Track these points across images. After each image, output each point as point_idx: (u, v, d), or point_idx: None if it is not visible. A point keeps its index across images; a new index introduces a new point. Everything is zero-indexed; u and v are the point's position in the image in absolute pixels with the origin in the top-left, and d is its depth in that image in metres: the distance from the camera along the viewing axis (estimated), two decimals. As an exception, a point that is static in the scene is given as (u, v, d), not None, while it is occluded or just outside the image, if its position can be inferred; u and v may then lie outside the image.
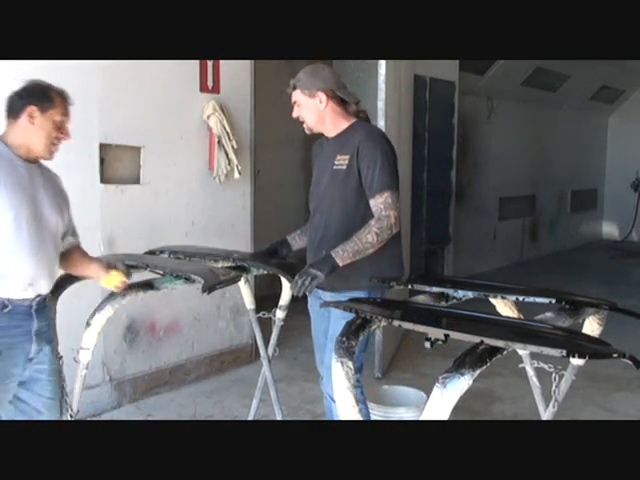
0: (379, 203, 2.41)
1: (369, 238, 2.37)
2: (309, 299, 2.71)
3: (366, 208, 2.46)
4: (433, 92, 6.10)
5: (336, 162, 2.52)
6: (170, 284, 2.44)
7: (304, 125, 2.59)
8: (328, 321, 2.56)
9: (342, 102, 2.54)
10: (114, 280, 2.32)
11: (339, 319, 2.38)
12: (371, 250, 2.39)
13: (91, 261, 2.42)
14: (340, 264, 2.34)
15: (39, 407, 2.22)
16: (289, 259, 2.83)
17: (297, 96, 2.54)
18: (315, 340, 2.75)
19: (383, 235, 2.39)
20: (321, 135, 2.64)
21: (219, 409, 3.77)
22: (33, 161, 2.25)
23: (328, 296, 2.55)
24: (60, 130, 2.23)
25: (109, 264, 2.39)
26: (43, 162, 2.31)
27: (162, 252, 2.98)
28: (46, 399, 2.24)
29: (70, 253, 2.39)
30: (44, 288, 2.21)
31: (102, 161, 3.59)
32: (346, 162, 2.48)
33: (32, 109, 2.17)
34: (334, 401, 2.49)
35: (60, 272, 2.38)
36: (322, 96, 2.50)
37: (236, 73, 4.23)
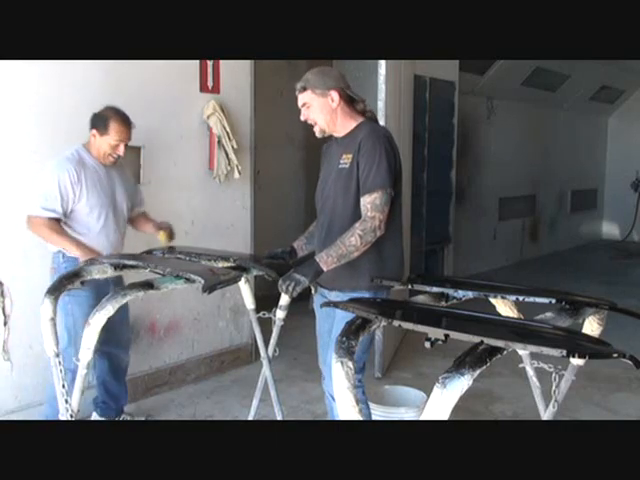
0: (367, 203, 2.41)
1: (352, 241, 2.37)
2: (315, 298, 2.72)
3: None
4: (433, 92, 6.10)
5: (341, 161, 2.52)
6: (170, 284, 2.44)
7: (315, 128, 2.56)
8: (333, 320, 2.56)
9: (351, 101, 2.54)
10: (162, 239, 3.31)
11: (342, 319, 2.38)
12: (356, 253, 2.38)
13: (148, 222, 3.43)
14: (324, 269, 2.35)
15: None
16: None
17: (307, 97, 2.51)
18: (319, 339, 2.76)
19: (367, 237, 2.38)
20: (328, 138, 2.64)
21: (219, 409, 3.77)
22: (110, 164, 3.16)
23: (333, 295, 2.55)
24: (114, 149, 3.11)
25: (160, 226, 3.37)
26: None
27: (162, 252, 2.99)
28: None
29: (137, 218, 3.44)
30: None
31: (102, 161, 3.61)
32: (349, 161, 2.48)
33: (94, 132, 3.11)
34: (334, 399, 2.50)
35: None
36: (334, 95, 2.48)
37: (236, 73, 4.24)
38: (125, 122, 3.11)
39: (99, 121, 3.08)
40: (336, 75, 2.54)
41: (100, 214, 3.12)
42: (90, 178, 3.08)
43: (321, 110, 2.50)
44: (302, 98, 2.52)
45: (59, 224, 3.07)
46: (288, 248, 2.73)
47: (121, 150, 3.12)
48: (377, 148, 2.43)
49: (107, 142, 3.08)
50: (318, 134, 2.58)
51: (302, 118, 2.56)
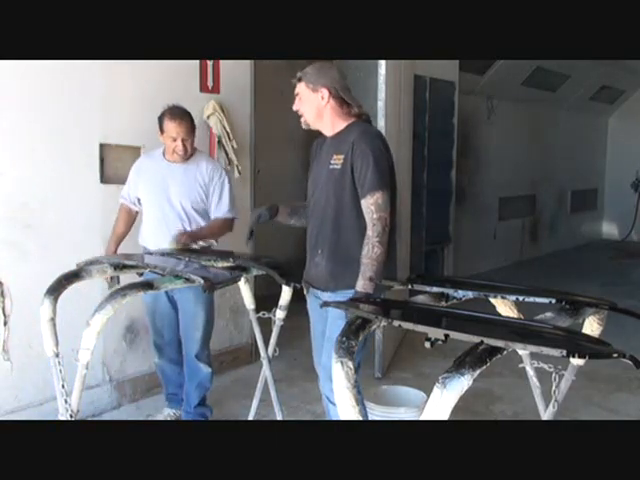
0: (370, 205, 2.42)
1: (377, 251, 2.39)
2: (308, 300, 2.72)
3: (360, 208, 2.46)
4: (433, 92, 6.10)
5: (332, 162, 2.52)
6: (170, 284, 2.44)
7: (302, 119, 2.59)
8: (326, 321, 2.55)
9: (343, 103, 2.54)
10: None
11: (336, 319, 2.38)
12: (384, 256, 2.41)
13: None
14: (371, 291, 2.38)
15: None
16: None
17: (300, 88, 2.55)
18: (313, 341, 2.75)
19: (384, 239, 2.41)
20: (319, 133, 2.64)
21: (219, 409, 3.77)
22: (179, 161, 3.27)
23: (326, 296, 2.55)
24: (174, 145, 3.21)
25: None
26: (197, 158, 3.33)
27: (162, 253, 2.99)
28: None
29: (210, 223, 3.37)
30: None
31: (102, 161, 3.60)
32: (341, 162, 2.48)
33: (159, 131, 3.26)
34: (330, 401, 2.50)
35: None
36: (325, 92, 2.50)
37: (236, 73, 4.23)
38: (175, 118, 3.19)
39: (159, 121, 3.24)
40: (333, 74, 2.53)
41: (150, 206, 3.30)
42: (148, 172, 3.32)
43: (310, 104, 2.54)
44: (297, 88, 2.56)
45: (129, 213, 3.42)
46: (274, 207, 2.76)
47: (179, 145, 3.19)
48: (371, 149, 2.44)
49: (166, 140, 3.23)
50: (303, 125, 2.62)
51: (294, 107, 2.60)
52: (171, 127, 3.19)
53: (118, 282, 2.91)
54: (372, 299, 2.34)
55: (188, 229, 3.25)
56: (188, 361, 3.38)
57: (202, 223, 3.31)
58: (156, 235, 3.25)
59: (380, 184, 2.42)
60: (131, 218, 3.43)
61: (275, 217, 2.77)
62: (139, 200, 3.37)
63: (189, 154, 3.28)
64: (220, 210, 3.35)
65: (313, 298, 2.65)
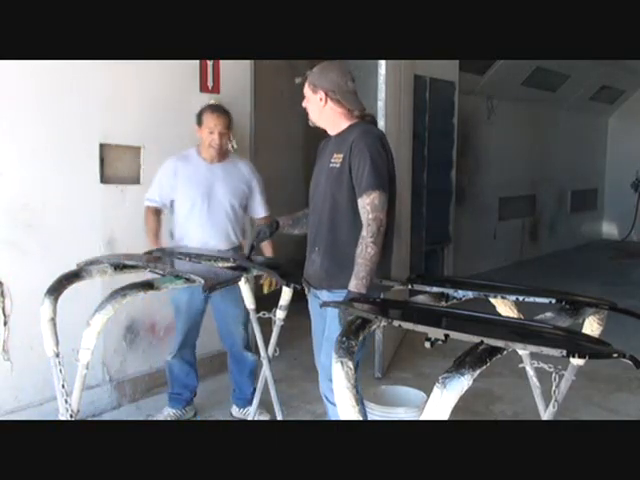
0: (366, 204, 2.42)
1: (370, 251, 2.39)
2: (309, 299, 2.72)
3: (357, 207, 2.46)
4: (433, 92, 6.10)
5: (332, 160, 2.54)
6: (170, 284, 2.44)
7: (309, 116, 2.64)
8: (326, 321, 2.56)
9: (343, 105, 2.55)
10: (265, 287, 3.19)
11: (334, 318, 2.38)
12: (378, 256, 2.41)
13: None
14: (364, 291, 2.37)
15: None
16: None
17: (305, 88, 2.59)
18: (314, 339, 2.76)
19: (379, 239, 2.40)
20: (323, 133, 2.66)
21: (219, 409, 3.77)
22: (217, 161, 3.36)
23: (324, 295, 2.55)
24: (211, 139, 3.28)
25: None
26: (233, 159, 3.47)
27: (162, 253, 2.99)
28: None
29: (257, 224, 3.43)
30: (217, 246, 3.32)
31: (102, 161, 3.59)
32: (340, 161, 2.50)
33: (197, 128, 3.34)
34: (329, 400, 2.51)
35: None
36: (322, 95, 2.53)
37: (236, 73, 4.23)
38: (216, 111, 3.31)
39: (197, 116, 3.35)
40: (332, 77, 2.54)
41: (193, 206, 3.32)
42: (187, 172, 3.34)
43: (312, 104, 2.59)
44: (305, 87, 2.60)
45: (156, 213, 3.43)
46: (274, 224, 2.81)
47: (216, 139, 3.27)
48: (369, 149, 2.44)
49: (204, 133, 3.30)
50: (310, 123, 2.66)
51: (303, 104, 2.64)
52: (210, 119, 3.28)
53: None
54: (372, 299, 2.34)
55: (234, 227, 3.42)
56: (235, 354, 3.56)
57: (242, 221, 3.49)
58: (203, 234, 3.33)
59: (377, 184, 2.42)
60: (159, 216, 3.48)
61: (275, 232, 2.82)
62: (172, 202, 3.39)
63: (224, 150, 3.37)
64: (264, 209, 3.55)
65: (313, 297, 2.66)
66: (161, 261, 2.81)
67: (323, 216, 2.56)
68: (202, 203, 3.33)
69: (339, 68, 2.58)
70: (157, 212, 3.47)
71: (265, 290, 3.18)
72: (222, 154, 3.39)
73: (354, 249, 2.42)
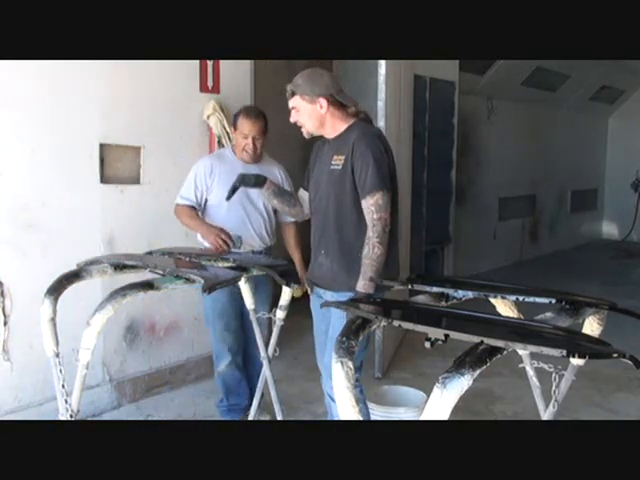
0: (370, 205, 2.43)
1: (377, 252, 2.40)
2: (311, 298, 2.73)
3: (361, 208, 2.46)
4: (433, 92, 6.10)
5: (333, 162, 2.53)
6: (170, 284, 2.44)
7: (302, 129, 2.60)
8: (329, 320, 2.56)
9: (341, 105, 2.55)
10: (296, 293, 2.98)
11: (338, 318, 2.39)
12: (384, 257, 2.43)
13: (292, 239, 3.48)
14: (372, 291, 2.39)
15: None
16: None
17: (296, 102, 2.54)
18: (316, 339, 2.77)
19: (384, 239, 2.42)
20: (320, 136, 2.65)
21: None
22: (251, 161, 3.32)
23: (329, 295, 2.56)
24: (245, 143, 3.27)
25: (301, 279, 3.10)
26: (268, 161, 3.45)
27: (162, 253, 2.99)
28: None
29: (286, 227, 3.49)
30: (254, 245, 3.36)
31: (102, 161, 3.59)
32: (342, 162, 2.50)
33: (232, 129, 3.43)
34: (333, 400, 2.51)
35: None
36: (323, 102, 2.51)
37: (236, 73, 4.23)
38: (250, 116, 3.27)
39: (234, 118, 3.36)
40: (326, 81, 2.54)
41: (230, 206, 3.24)
42: (224, 172, 3.27)
43: (309, 116, 2.54)
44: (292, 102, 2.56)
45: (194, 211, 3.33)
46: (263, 178, 2.76)
47: (249, 144, 3.26)
48: (370, 149, 2.45)
49: (238, 137, 3.31)
50: (306, 135, 2.63)
51: (291, 120, 2.60)
52: (245, 124, 3.26)
53: None
54: (372, 299, 2.35)
55: (268, 228, 3.41)
56: (251, 355, 3.47)
57: (274, 222, 3.47)
58: (239, 233, 3.29)
59: (380, 185, 2.42)
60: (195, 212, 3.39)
61: (261, 187, 2.76)
62: (205, 201, 3.35)
63: (258, 154, 3.34)
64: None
65: (316, 297, 2.66)
66: (161, 260, 2.81)
67: (327, 218, 2.56)
68: (241, 204, 3.30)
69: (325, 72, 2.58)
70: (192, 209, 3.35)
71: (297, 294, 3.10)
72: (256, 157, 3.35)
73: (360, 250, 2.43)
